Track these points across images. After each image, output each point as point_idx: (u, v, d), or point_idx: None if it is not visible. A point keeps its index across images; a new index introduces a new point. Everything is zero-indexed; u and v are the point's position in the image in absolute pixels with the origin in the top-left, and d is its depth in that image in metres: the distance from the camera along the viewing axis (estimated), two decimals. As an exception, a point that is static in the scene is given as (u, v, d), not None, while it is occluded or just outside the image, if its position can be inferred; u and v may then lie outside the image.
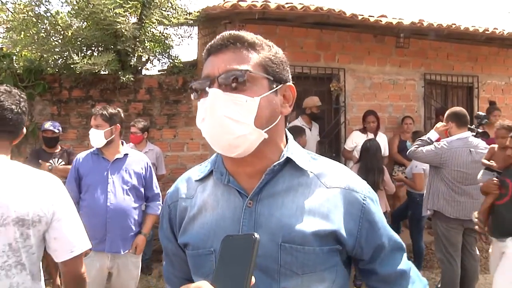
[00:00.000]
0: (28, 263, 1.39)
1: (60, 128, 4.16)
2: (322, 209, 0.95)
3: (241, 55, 0.93)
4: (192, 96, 0.99)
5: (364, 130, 5.25)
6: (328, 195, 0.96)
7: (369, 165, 4.02)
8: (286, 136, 1.03)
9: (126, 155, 2.86)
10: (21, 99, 1.50)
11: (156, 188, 3.03)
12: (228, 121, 0.89)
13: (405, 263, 1.04)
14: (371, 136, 5.06)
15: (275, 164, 0.96)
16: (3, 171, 1.39)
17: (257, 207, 0.95)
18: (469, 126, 3.90)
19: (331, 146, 5.69)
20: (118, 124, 2.83)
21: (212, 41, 0.96)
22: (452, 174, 3.59)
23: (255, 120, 0.90)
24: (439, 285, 3.90)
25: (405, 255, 1.06)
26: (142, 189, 2.91)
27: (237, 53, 0.93)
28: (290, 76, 1.01)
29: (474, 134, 3.90)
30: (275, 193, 0.96)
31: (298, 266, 0.92)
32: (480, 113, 4.65)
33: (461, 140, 3.62)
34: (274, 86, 0.95)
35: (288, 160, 0.98)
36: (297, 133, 3.94)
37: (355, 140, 5.12)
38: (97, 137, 2.76)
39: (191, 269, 1.04)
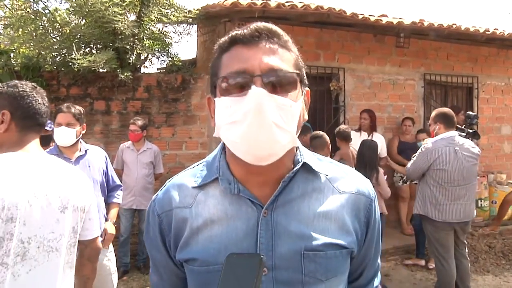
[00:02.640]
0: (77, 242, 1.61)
1: (53, 126, 4.12)
2: (339, 215, 0.92)
3: (281, 53, 0.85)
4: (214, 93, 0.87)
5: (358, 129, 5.26)
6: (342, 200, 0.94)
7: (360, 158, 3.98)
8: None
9: (86, 151, 2.84)
10: (45, 95, 1.60)
11: (116, 179, 3.09)
12: (276, 128, 0.79)
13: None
14: (364, 134, 5.07)
15: (293, 171, 0.90)
16: (55, 165, 1.51)
17: (273, 216, 0.88)
18: (458, 126, 3.86)
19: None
20: (84, 124, 2.83)
21: (240, 30, 0.86)
22: (438, 174, 3.51)
23: (297, 128, 0.84)
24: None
25: None
26: (105, 183, 2.93)
27: (275, 50, 0.84)
28: None
29: (464, 134, 3.85)
30: (290, 200, 0.90)
31: (322, 273, 0.88)
32: (471, 112, 4.58)
33: (445, 139, 3.55)
34: (303, 90, 0.89)
35: (303, 165, 0.92)
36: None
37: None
38: (68, 135, 2.70)
39: (194, 286, 0.94)
